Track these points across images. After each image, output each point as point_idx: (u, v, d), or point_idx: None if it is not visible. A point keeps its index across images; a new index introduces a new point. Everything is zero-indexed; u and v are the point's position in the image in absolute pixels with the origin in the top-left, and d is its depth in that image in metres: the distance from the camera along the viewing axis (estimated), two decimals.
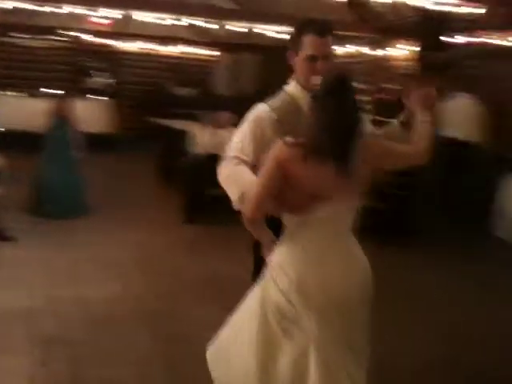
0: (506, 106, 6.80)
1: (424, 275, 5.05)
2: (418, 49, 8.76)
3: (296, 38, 2.32)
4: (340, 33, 10.14)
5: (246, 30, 10.10)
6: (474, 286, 4.91)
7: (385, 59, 10.33)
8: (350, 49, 11.32)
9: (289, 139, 2.00)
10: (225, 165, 2.35)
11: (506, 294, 4.75)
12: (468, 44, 7.58)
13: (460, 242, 6.05)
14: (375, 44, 10.27)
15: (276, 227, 2.15)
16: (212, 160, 6.44)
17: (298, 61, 2.33)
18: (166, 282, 4.55)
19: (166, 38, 11.92)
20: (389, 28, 9.94)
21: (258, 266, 2.30)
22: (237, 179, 2.27)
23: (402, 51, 9.87)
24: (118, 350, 3.34)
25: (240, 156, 2.31)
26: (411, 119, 2.31)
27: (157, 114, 10.11)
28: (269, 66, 13.44)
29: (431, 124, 2.23)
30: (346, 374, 1.98)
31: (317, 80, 2.08)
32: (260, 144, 2.29)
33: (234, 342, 2.17)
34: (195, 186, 6.24)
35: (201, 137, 6.70)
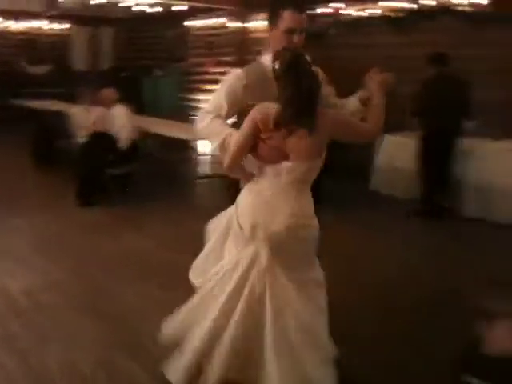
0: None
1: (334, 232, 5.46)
2: None
3: (275, 12, 2.60)
4: (200, 5, 10.29)
5: (104, 1, 9.80)
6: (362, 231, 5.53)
7: (247, 31, 10.64)
8: (210, 21, 11.51)
9: (263, 108, 2.38)
10: (202, 118, 2.68)
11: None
12: (331, 14, 8.14)
13: (344, 198, 6.69)
14: (236, 16, 10.55)
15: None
16: (104, 139, 6.42)
17: (277, 33, 2.60)
18: (82, 264, 4.46)
19: (14, 13, 11.13)
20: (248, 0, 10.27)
21: None
22: (216, 130, 2.62)
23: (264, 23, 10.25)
24: (62, 337, 3.29)
25: (213, 111, 2.65)
26: (368, 98, 2.63)
27: (10, 95, 9.54)
28: (126, 40, 13.16)
29: (384, 106, 2.55)
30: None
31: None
32: (232, 103, 2.63)
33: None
34: (89, 168, 6.06)
35: (85, 117, 6.47)
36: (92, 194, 6.11)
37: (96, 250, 4.79)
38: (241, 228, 2.48)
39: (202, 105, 11.83)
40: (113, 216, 5.78)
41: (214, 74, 11.49)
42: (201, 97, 11.93)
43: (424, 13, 7.04)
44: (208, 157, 8.58)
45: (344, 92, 2.88)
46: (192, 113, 11.90)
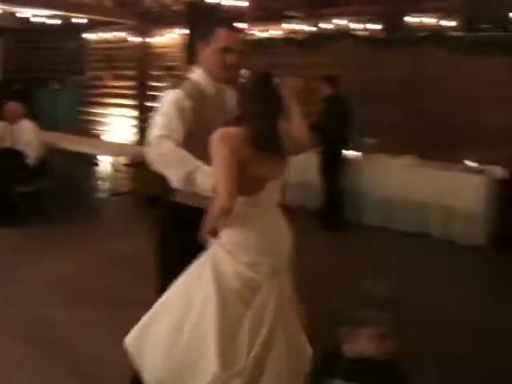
0: None
1: None
2: (186, 36, 9.27)
3: (209, 29, 2.48)
4: (99, 18, 10.14)
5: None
6: None
7: (147, 46, 10.62)
8: (109, 35, 11.36)
9: (225, 133, 2.15)
10: (159, 143, 2.32)
11: None
12: None
13: None
14: (136, 30, 10.50)
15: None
16: (11, 155, 6.11)
17: (210, 51, 2.48)
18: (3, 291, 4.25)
19: None
20: (149, 15, 10.29)
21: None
22: (179, 159, 2.27)
23: (167, 39, 10.31)
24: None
25: (171, 135, 2.32)
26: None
27: None
28: (22, 51, 12.54)
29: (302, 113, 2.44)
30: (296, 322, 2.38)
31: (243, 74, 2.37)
32: (184, 126, 2.36)
33: (175, 327, 2.23)
34: None
35: None
36: (2, 214, 5.78)
37: (16, 275, 4.56)
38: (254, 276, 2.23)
39: (99, 118, 11.63)
40: (26, 238, 5.50)
41: (113, 87, 11.36)
42: (99, 110, 11.70)
43: (325, 36, 7.51)
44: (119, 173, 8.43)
45: None
46: (90, 127, 11.63)
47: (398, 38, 6.87)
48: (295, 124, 2.41)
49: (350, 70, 6.81)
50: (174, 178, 2.27)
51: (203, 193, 2.22)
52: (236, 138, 2.14)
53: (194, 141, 2.33)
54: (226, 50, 2.46)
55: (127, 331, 2.32)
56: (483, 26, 6.26)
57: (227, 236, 2.26)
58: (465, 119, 6.44)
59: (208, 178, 2.17)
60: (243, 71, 2.34)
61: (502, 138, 6.07)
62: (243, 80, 2.33)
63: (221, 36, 2.47)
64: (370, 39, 7.19)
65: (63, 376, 3.05)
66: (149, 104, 10.09)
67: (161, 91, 2.65)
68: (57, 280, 4.43)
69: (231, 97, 2.57)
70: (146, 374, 2.30)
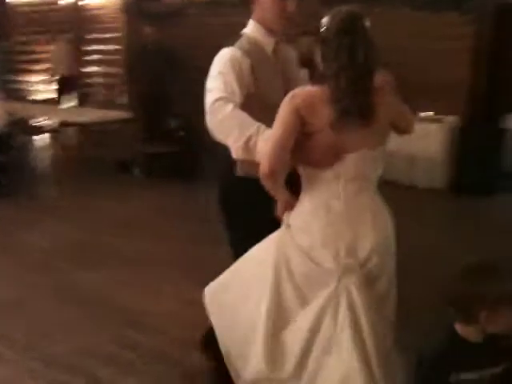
0: None
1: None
2: None
3: None
4: None
5: None
6: None
7: (83, 8, 10.20)
8: None
9: (301, 91, 1.90)
10: (214, 110, 2.11)
11: None
12: None
13: None
14: None
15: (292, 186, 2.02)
16: None
17: (267, 1, 2.23)
18: None
19: None
20: None
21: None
22: (238, 123, 2.05)
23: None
24: None
25: (229, 98, 2.11)
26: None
27: None
28: None
29: None
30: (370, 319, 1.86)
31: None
32: (242, 89, 2.16)
33: (242, 296, 2.10)
34: None
35: None
36: None
37: (26, 243, 4.50)
38: (316, 264, 1.88)
39: (30, 87, 11.06)
40: (14, 209, 5.35)
41: (41, 53, 10.83)
42: (28, 78, 11.15)
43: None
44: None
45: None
46: (20, 95, 11.05)
47: None
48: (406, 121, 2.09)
49: None
50: (234, 145, 2.06)
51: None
52: (309, 99, 1.86)
53: (253, 106, 2.13)
54: None
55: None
56: None
57: (297, 212, 1.97)
58: (415, 72, 6.88)
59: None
60: (324, 19, 1.88)
61: (450, 89, 6.58)
62: (325, 29, 1.87)
63: None
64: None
65: (122, 329, 3.17)
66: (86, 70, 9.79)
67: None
68: (70, 245, 4.44)
69: (291, 56, 2.47)
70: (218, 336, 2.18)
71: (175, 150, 6.39)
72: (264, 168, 1.86)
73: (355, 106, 1.81)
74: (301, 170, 1.97)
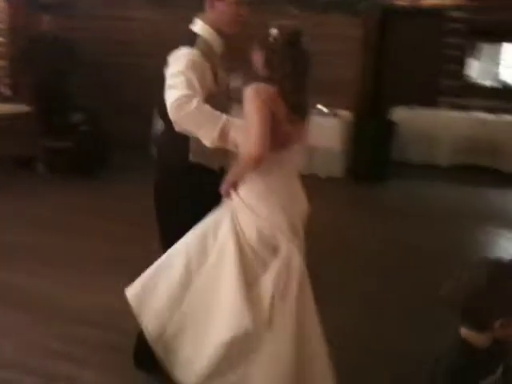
0: None
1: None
2: None
3: None
4: None
5: None
6: None
7: None
8: None
9: (261, 87, 2.14)
10: (182, 104, 2.20)
11: None
12: None
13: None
14: None
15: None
16: None
17: (224, 6, 2.38)
18: None
19: None
20: None
21: None
22: (208, 116, 2.21)
23: None
24: None
25: (192, 93, 2.22)
26: None
27: None
28: None
29: None
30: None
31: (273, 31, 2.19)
32: (202, 86, 2.28)
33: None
34: None
35: None
36: None
37: None
38: (270, 232, 2.19)
39: None
40: None
41: None
42: None
43: None
44: None
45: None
46: None
47: None
48: None
49: None
50: (208, 136, 2.20)
51: (233, 148, 2.23)
52: (273, 94, 2.12)
53: (212, 102, 2.26)
54: (239, 2, 2.41)
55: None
56: None
57: (248, 190, 2.23)
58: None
59: (240, 131, 2.16)
60: (272, 30, 2.18)
61: (343, 87, 7.11)
62: (273, 39, 2.18)
63: None
64: None
65: (69, 326, 3.15)
66: None
67: None
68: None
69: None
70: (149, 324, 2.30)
71: (79, 145, 6.23)
72: (255, 154, 2.08)
73: (299, 106, 2.19)
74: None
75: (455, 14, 7.93)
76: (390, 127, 6.91)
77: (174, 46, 2.37)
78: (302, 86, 2.20)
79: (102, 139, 6.41)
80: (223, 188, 2.28)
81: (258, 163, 2.12)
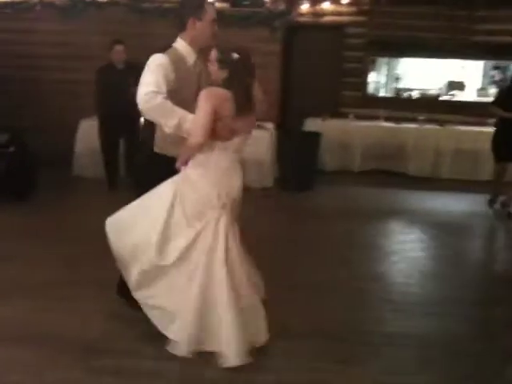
0: None
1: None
2: None
3: (198, 5, 3.02)
4: None
5: None
6: None
7: None
8: None
9: (215, 92, 2.84)
10: (153, 96, 2.83)
11: None
12: None
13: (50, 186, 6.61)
14: None
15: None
16: None
17: (202, 26, 3.02)
18: None
19: None
20: None
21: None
22: (169, 110, 2.86)
23: None
24: None
25: (160, 91, 2.85)
26: None
27: None
28: None
29: None
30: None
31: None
32: (166, 86, 2.90)
33: (141, 217, 3.00)
34: None
35: None
36: None
37: None
38: (205, 199, 2.92)
39: None
40: None
41: None
42: None
43: (89, 2, 7.40)
44: None
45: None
46: None
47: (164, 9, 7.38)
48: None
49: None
50: (169, 125, 2.88)
51: (187, 135, 2.88)
52: (220, 97, 2.83)
53: (174, 97, 2.91)
54: (214, 21, 3.06)
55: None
56: (244, 2, 7.33)
57: (193, 168, 2.95)
58: None
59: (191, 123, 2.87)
60: (232, 52, 2.89)
61: (267, 99, 7.32)
62: (231, 57, 2.88)
63: (211, 10, 3.05)
64: (138, 8, 7.46)
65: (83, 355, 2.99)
66: None
67: None
68: None
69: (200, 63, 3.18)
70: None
71: (5, 167, 5.78)
72: (199, 139, 2.80)
73: (248, 104, 2.90)
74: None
75: (353, 30, 8.56)
76: (314, 138, 7.25)
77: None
78: (249, 92, 2.92)
79: (29, 159, 6.00)
80: (177, 163, 2.97)
81: (199, 146, 2.84)
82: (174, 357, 2.92)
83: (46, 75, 7.48)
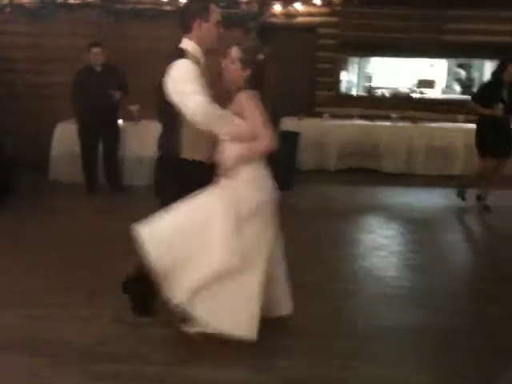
0: None
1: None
2: None
3: (204, 7, 3.00)
4: None
5: None
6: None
7: None
8: None
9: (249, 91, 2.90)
10: (205, 106, 2.81)
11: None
12: None
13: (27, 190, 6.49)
14: None
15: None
16: None
17: (209, 25, 3.00)
18: None
19: None
20: None
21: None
22: (224, 117, 2.88)
23: None
24: None
25: (207, 98, 2.84)
26: None
27: None
28: None
29: None
30: None
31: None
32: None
33: (191, 231, 2.92)
34: None
35: None
36: None
37: None
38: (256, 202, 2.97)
39: None
40: None
41: None
42: None
43: (59, 4, 7.27)
44: None
45: None
46: None
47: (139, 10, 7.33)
48: None
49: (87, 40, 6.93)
50: (226, 132, 2.91)
51: (240, 140, 2.91)
52: (257, 99, 2.88)
53: None
54: (219, 22, 3.05)
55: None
56: (220, 3, 7.31)
57: (247, 172, 2.96)
58: None
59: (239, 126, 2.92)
60: (259, 55, 2.95)
61: None
62: (257, 57, 2.94)
63: (215, 11, 3.03)
64: (111, 9, 7.38)
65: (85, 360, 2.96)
66: None
67: None
68: None
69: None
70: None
71: None
72: (268, 141, 2.88)
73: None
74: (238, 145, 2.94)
75: (326, 30, 8.67)
76: (292, 137, 7.30)
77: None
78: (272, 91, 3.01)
79: (6, 163, 5.87)
80: (223, 170, 2.95)
81: (269, 149, 2.91)
82: (173, 361, 2.96)
83: (19, 78, 7.33)
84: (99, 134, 6.52)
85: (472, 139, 6.39)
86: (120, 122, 6.84)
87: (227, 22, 7.19)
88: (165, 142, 3.14)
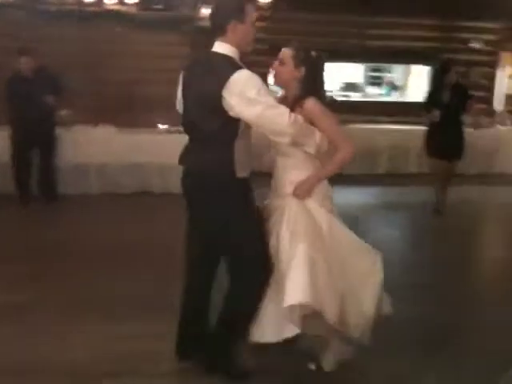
0: None
1: None
2: None
3: (241, 8, 2.68)
4: None
5: None
6: None
7: None
8: None
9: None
10: (292, 119, 2.61)
11: None
12: None
13: None
14: None
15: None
16: None
17: (246, 27, 2.70)
18: None
19: None
20: None
21: None
22: (308, 128, 2.70)
23: None
24: None
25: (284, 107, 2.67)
26: None
27: None
28: None
29: None
30: None
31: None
32: None
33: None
34: None
35: None
36: None
37: None
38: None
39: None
40: None
41: None
42: None
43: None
44: None
45: None
46: None
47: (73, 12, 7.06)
48: None
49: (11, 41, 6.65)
50: (313, 144, 2.72)
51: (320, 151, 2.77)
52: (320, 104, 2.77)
53: None
54: (254, 23, 2.76)
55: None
56: (155, 6, 7.22)
57: (321, 188, 2.87)
58: (142, 88, 7.38)
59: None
60: (312, 52, 2.90)
61: (171, 104, 7.28)
62: (310, 54, 2.90)
63: (252, 10, 2.73)
64: (37, 11, 7.03)
65: None
66: None
67: None
68: None
69: None
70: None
71: None
72: (352, 149, 2.76)
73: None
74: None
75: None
76: None
77: None
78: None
79: None
80: (301, 191, 2.77)
81: (351, 158, 2.78)
82: (171, 372, 2.95)
83: None
84: (33, 143, 6.25)
85: (395, 140, 6.75)
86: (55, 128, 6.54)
87: (161, 25, 7.24)
88: (212, 158, 2.72)
